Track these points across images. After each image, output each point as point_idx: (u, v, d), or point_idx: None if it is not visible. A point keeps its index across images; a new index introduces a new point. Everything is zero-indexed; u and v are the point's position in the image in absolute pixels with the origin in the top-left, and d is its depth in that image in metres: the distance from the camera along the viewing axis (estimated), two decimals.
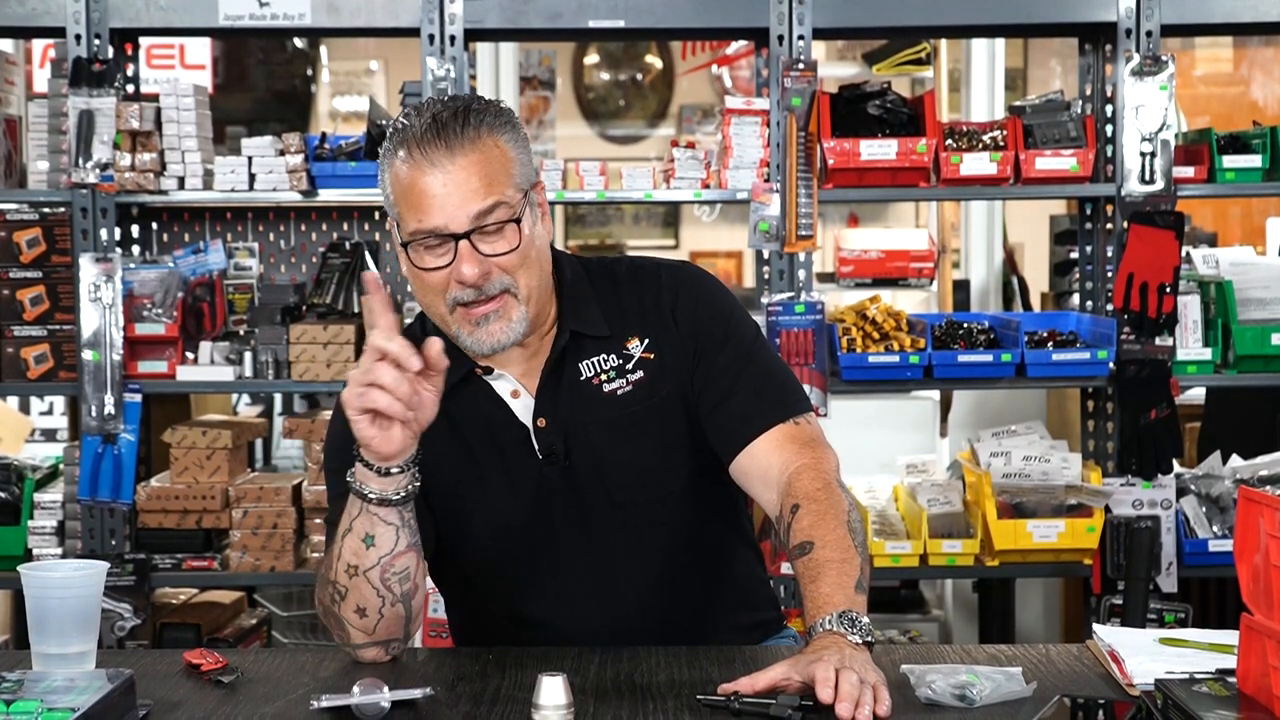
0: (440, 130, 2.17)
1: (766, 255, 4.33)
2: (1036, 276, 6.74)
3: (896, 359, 4.20)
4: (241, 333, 4.37)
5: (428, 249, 2.19)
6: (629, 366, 2.32)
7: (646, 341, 2.34)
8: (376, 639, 2.20)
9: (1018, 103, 4.48)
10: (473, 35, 4.34)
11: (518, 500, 2.31)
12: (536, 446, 2.30)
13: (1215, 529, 4.30)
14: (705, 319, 2.35)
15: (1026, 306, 6.00)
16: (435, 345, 2.05)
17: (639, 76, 10.47)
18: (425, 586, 2.25)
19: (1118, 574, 4.21)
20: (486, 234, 2.18)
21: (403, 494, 2.13)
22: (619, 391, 2.31)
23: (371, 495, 2.12)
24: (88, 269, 4.20)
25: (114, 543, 4.29)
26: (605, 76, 10.47)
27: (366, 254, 4.48)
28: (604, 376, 2.32)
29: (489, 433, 2.31)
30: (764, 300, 4.24)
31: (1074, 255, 5.09)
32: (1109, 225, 4.36)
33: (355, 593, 2.16)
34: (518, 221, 2.19)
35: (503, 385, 2.32)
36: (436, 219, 2.16)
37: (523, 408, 2.31)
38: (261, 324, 4.31)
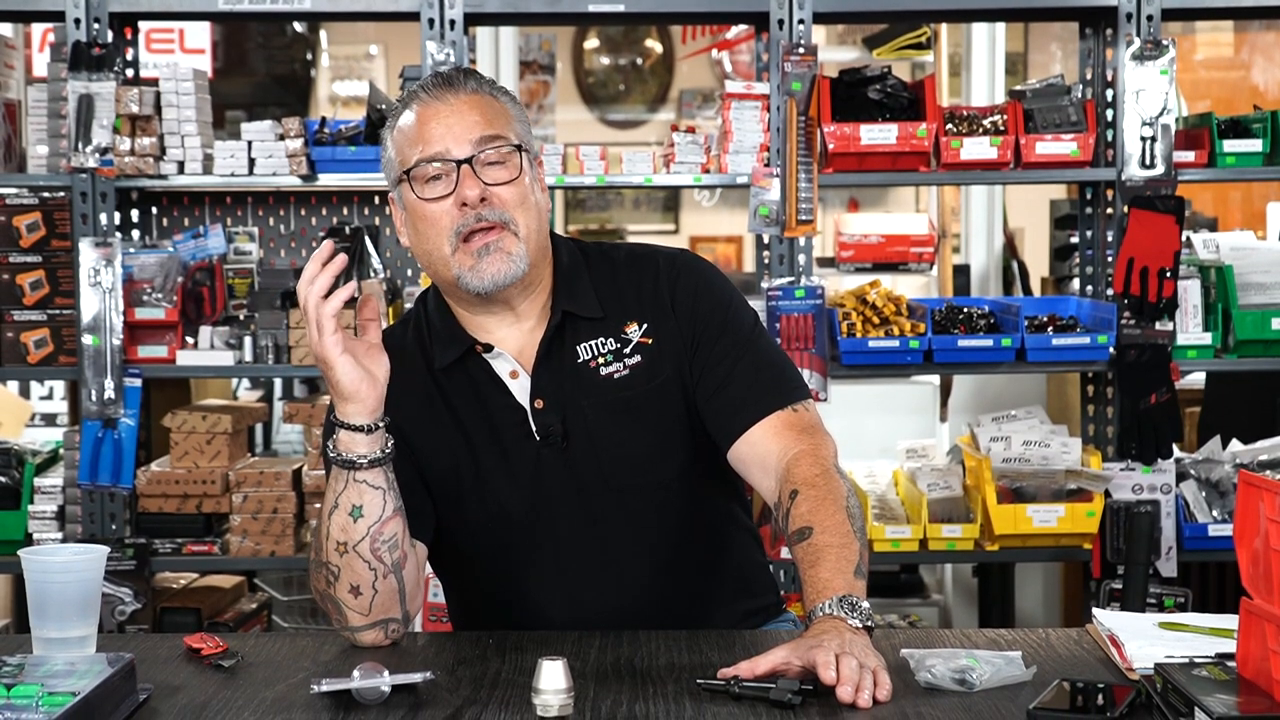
0: (445, 80, 2.28)
1: (766, 240, 4.33)
2: (1037, 261, 6.74)
3: (896, 344, 4.20)
4: (241, 317, 4.37)
5: (429, 180, 2.24)
6: (626, 351, 2.33)
7: (645, 327, 2.34)
8: (374, 619, 2.20)
9: (1018, 87, 4.47)
10: (473, 19, 4.33)
11: (515, 482, 2.31)
12: (534, 428, 2.30)
13: (1215, 513, 4.30)
14: (703, 306, 2.35)
15: (1027, 291, 6.00)
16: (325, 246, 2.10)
17: (639, 61, 10.45)
18: (417, 560, 2.26)
19: (1117, 558, 4.22)
20: (488, 163, 2.24)
21: (388, 449, 2.15)
22: (616, 375, 2.32)
23: (362, 459, 2.13)
24: (87, 253, 4.20)
25: (114, 527, 4.29)
26: (605, 61, 10.46)
27: (370, 245, 4.48)
28: (601, 360, 2.33)
29: (486, 413, 2.32)
30: (764, 285, 4.24)
31: (1074, 240, 5.10)
32: (1109, 210, 4.36)
33: (348, 570, 2.16)
34: (519, 149, 2.25)
35: (501, 365, 2.32)
36: (437, 145, 2.23)
37: (520, 389, 2.31)
38: (261, 308, 4.31)
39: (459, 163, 2.22)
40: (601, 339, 2.33)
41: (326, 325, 2.07)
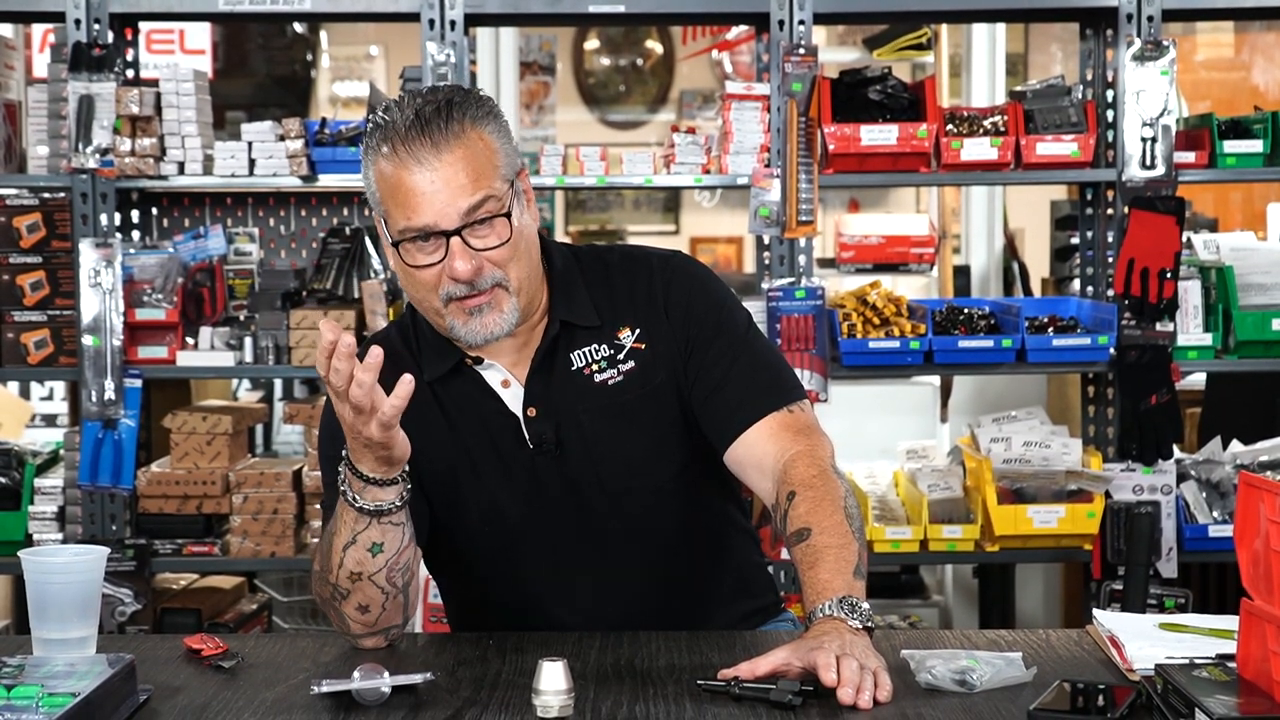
0: (424, 127, 2.15)
1: (767, 240, 4.33)
2: (1037, 262, 6.74)
3: (897, 344, 4.20)
4: (242, 318, 4.37)
5: (418, 247, 2.18)
6: (620, 356, 2.32)
7: (638, 331, 2.33)
8: (377, 629, 2.21)
9: (1019, 88, 4.47)
10: (473, 20, 4.33)
11: (511, 489, 2.31)
12: (527, 436, 2.30)
13: (1215, 514, 4.30)
14: (698, 309, 2.34)
15: (1027, 292, 6.00)
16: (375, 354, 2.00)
17: (639, 61, 10.45)
18: (420, 572, 2.26)
19: (1118, 559, 4.22)
20: (477, 229, 2.17)
21: (410, 485, 2.15)
22: (610, 381, 2.31)
23: (393, 505, 2.12)
24: (88, 254, 4.20)
25: (114, 528, 4.29)
26: (606, 61, 10.46)
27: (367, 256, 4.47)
28: (595, 366, 2.32)
29: (481, 422, 2.31)
30: (764, 286, 4.24)
31: (1075, 240, 5.09)
32: (1110, 210, 4.36)
33: (359, 594, 2.17)
34: (507, 215, 2.19)
35: (493, 375, 2.31)
36: (426, 217, 2.16)
37: (513, 397, 2.31)
38: (262, 309, 4.31)
39: (448, 234, 2.16)
40: (595, 345, 2.32)
41: (393, 418, 2.02)
